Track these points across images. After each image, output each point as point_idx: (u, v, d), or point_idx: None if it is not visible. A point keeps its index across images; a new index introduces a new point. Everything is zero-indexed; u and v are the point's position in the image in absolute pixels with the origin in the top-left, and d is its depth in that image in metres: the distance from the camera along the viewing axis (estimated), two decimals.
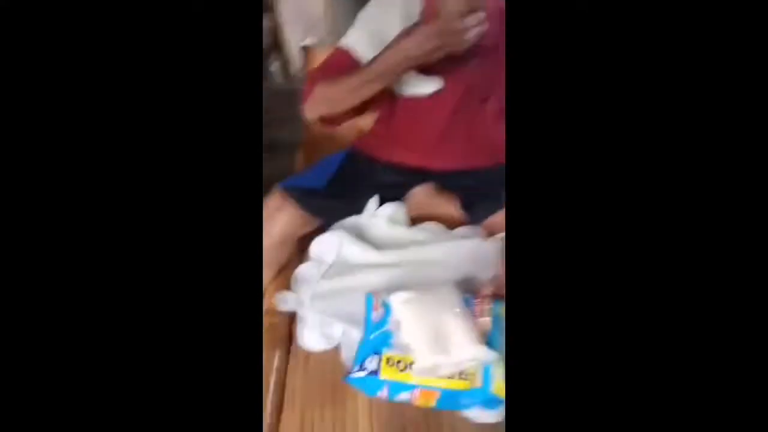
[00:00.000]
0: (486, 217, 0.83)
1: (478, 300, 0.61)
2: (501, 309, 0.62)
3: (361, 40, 0.74)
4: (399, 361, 0.57)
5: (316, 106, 0.77)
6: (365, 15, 0.77)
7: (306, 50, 1.23)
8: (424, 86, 0.76)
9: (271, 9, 1.95)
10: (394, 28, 0.70)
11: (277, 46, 2.06)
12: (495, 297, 0.63)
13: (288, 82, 2.13)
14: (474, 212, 0.83)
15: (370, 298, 0.66)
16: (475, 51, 0.73)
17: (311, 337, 0.68)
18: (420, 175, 0.89)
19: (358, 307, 0.66)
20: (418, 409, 0.58)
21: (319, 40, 1.08)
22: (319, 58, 1.07)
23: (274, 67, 2.09)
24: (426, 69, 0.74)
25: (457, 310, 0.58)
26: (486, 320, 0.58)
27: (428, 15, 0.70)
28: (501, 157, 0.88)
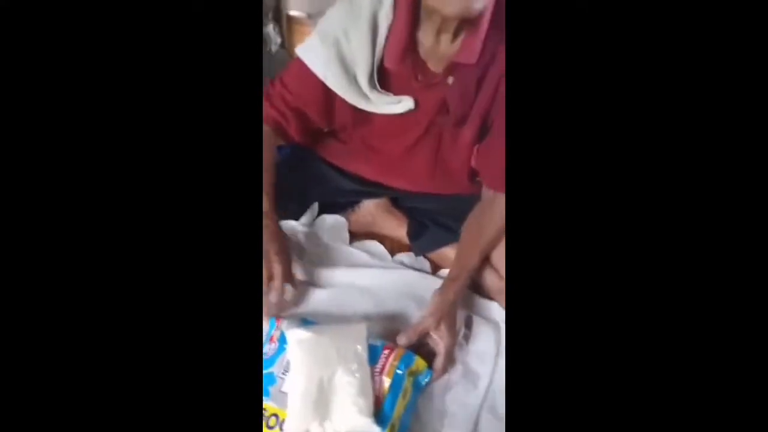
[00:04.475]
0: (434, 248, 0.74)
1: (387, 351, 0.53)
2: (414, 365, 0.54)
3: (315, 52, 0.65)
4: (274, 415, 0.49)
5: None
6: (323, 22, 0.66)
7: (290, 20, 1.13)
8: (395, 107, 0.67)
9: None
10: (358, 36, 0.62)
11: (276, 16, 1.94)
12: (409, 350, 0.56)
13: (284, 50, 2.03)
14: (422, 241, 0.75)
15: (273, 322, 0.58)
16: (452, 67, 0.63)
17: None
18: (375, 189, 0.80)
19: None
20: None
21: (306, 14, 0.97)
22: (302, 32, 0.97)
23: (271, 30, 1.96)
24: (397, 89, 0.66)
25: (355, 366, 0.50)
26: (385, 382, 0.51)
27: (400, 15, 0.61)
28: (464, 188, 0.79)
